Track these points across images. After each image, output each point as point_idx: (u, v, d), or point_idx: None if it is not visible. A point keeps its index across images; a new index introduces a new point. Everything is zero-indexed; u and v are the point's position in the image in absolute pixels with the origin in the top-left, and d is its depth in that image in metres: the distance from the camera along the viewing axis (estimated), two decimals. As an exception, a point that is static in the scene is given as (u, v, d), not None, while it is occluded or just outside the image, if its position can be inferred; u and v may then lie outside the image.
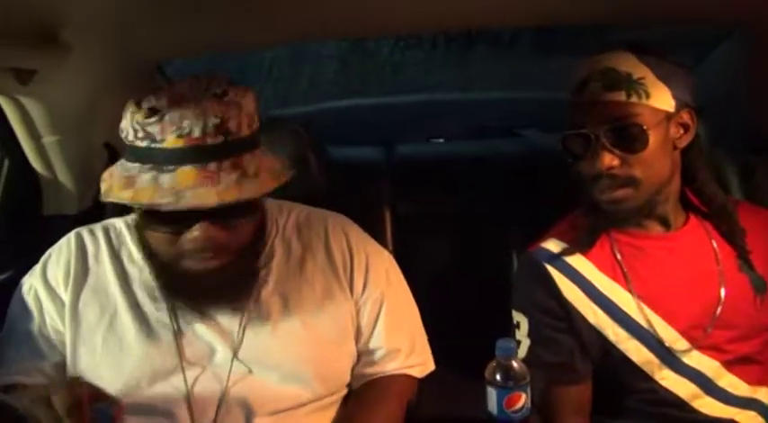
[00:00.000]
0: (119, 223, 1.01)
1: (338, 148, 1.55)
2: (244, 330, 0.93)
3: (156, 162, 0.81)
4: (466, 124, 1.93)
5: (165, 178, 0.80)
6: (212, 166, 0.80)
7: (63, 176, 1.24)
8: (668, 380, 1.01)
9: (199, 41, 1.30)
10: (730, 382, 1.02)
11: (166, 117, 0.80)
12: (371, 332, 1.01)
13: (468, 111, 2.14)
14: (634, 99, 0.95)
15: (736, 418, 1.01)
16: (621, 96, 0.96)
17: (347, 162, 1.56)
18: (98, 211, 1.18)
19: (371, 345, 1.01)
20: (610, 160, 0.96)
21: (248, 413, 0.91)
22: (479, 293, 1.34)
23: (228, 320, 0.93)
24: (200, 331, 0.93)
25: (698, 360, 1.01)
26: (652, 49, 0.99)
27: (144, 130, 0.81)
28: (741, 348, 1.02)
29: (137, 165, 0.82)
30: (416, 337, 1.06)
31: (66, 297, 0.94)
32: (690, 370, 1.01)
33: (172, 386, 0.90)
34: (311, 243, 1.00)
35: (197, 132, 0.80)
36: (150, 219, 0.85)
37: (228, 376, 0.91)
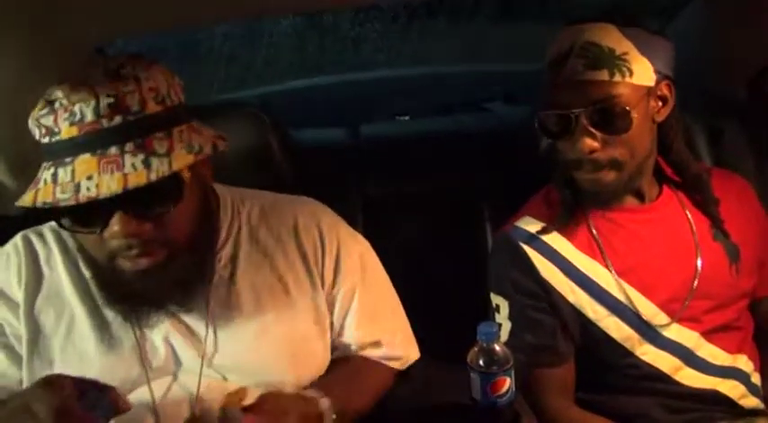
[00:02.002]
0: None
1: (300, 131, 1.50)
2: (214, 332, 0.87)
3: (57, 156, 0.74)
4: (431, 100, 1.89)
5: (64, 172, 0.73)
6: (113, 150, 0.73)
7: (2, 175, 1.14)
8: (649, 354, 1.01)
9: (142, 20, 1.21)
10: (710, 352, 1.02)
11: (57, 105, 0.74)
12: (343, 327, 0.96)
13: (432, 85, 2.09)
14: (617, 78, 0.92)
15: (718, 388, 1.02)
16: (604, 75, 0.91)
17: (311, 145, 1.50)
18: (45, 211, 1.10)
19: (345, 339, 0.97)
20: (591, 143, 0.93)
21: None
22: (456, 273, 1.32)
23: (195, 322, 0.87)
24: (165, 335, 0.87)
25: (677, 332, 1.01)
26: (634, 19, 0.95)
27: (43, 125, 0.74)
28: (719, 318, 1.03)
29: (44, 164, 0.76)
30: (398, 328, 1.03)
31: (20, 302, 0.87)
32: (670, 343, 1.01)
33: (137, 398, 0.84)
34: (280, 234, 0.94)
35: (90, 116, 0.73)
36: (65, 221, 0.78)
37: (199, 383, 0.85)
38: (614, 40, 0.92)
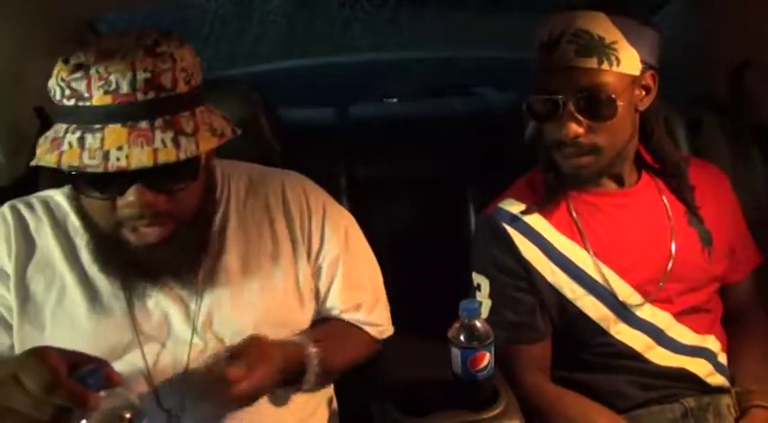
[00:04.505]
0: (57, 195, 0.94)
1: (289, 110, 1.50)
2: (202, 299, 0.89)
3: (84, 122, 0.75)
4: (419, 83, 1.90)
5: (92, 138, 0.74)
6: (144, 124, 0.75)
7: (-9, 146, 1.14)
8: (623, 333, 1.05)
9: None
10: (680, 332, 1.06)
11: (92, 71, 0.74)
12: (328, 293, 0.99)
13: (421, 69, 2.10)
14: (605, 66, 0.94)
15: (687, 367, 1.06)
16: (593, 63, 0.94)
17: (299, 124, 1.51)
18: (32, 181, 1.10)
19: (329, 303, 1.00)
20: (576, 128, 0.96)
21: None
22: (440, 255, 1.34)
23: (185, 289, 0.89)
24: (156, 302, 0.88)
25: (650, 313, 1.05)
26: (624, 8, 0.96)
27: (70, 88, 0.75)
28: (691, 300, 1.07)
29: (64, 126, 0.77)
30: (378, 299, 1.05)
31: (10, 272, 0.87)
32: (643, 323, 1.05)
33: (130, 363, 0.86)
34: (268, 203, 0.96)
35: (125, 88, 0.74)
36: (82, 184, 0.79)
37: (189, 349, 0.87)
38: (605, 28, 0.94)
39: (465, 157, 1.40)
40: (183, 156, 0.75)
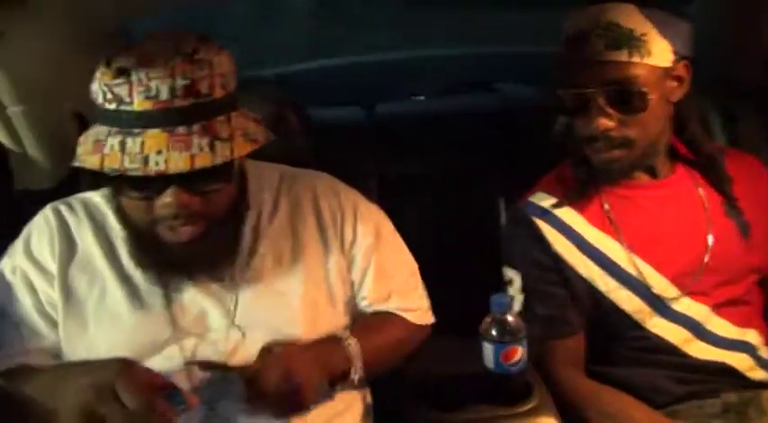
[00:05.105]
0: (95, 196, 0.97)
1: (317, 110, 1.52)
2: (236, 294, 0.92)
3: (125, 125, 0.78)
4: (446, 80, 1.90)
5: (133, 143, 0.77)
6: (181, 129, 0.78)
7: (32, 149, 1.18)
8: (659, 327, 1.03)
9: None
10: (719, 325, 1.04)
11: (133, 78, 0.78)
12: (362, 283, 1.00)
13: (445, 67, 2.10)
14: (636, 58, 0.93)
15: (727, 361, 1.04)
16: (623, 56, 0.93)
17: (327, 123, 1.52)
18: (74, 184, 1.13)
19: (362, 293, 1.01)
20: (606, 122, 0.95)
21: None
22: (469, 251, 1.34)
23: (220, 285, 0.91)
24: (192, 297, 0.91)
25: (687, 306, 1.03)
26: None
27: (112, 92, 0.78)
28: (729, 292, 1.05)
29: (105, 128, 0.80)
30: (413, 287, 1.06)
31: (54, 271, 0.91)
32: (680, 316, 1.03)
33: (168, 358, 0.89)
34: (300, 203, 0.99)
35: (165, 94, 0.77)
36: (121, 184, 0.83)
37: (226, 343, 0.90)
38: (634, 20, 0.93)
39: (493, 152, 1.39)
40: (218, 160, 0.78)
